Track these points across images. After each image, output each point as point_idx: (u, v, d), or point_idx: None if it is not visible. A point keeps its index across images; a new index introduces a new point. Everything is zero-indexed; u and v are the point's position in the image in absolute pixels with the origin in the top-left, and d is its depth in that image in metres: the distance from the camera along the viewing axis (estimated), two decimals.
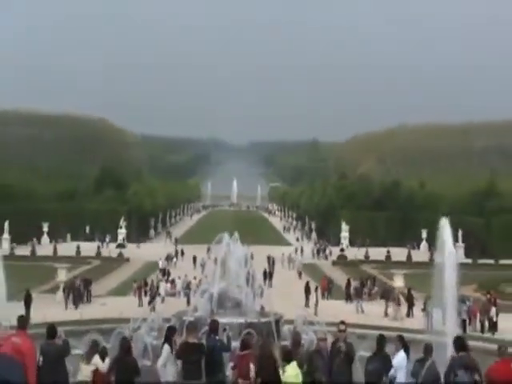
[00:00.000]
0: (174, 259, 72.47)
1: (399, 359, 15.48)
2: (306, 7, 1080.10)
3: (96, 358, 15.26)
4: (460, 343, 14.64)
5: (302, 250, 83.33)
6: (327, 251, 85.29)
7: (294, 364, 13.74)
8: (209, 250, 65.96)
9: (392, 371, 14.77)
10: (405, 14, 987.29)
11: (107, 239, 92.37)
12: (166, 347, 15.32)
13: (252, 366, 14.55)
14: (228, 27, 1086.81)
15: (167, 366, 15.17)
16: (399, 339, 16.14)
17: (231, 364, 16.35)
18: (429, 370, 14.51)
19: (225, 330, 19.95)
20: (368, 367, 15.18)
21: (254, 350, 15.15)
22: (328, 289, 49.09)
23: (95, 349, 15.67)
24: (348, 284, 49.52)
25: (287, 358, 13.94)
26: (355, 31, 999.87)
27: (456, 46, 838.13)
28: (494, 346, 16.88)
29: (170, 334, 15.93)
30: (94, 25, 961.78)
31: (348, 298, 47.73)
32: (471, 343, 17.62)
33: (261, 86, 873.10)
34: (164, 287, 48.59)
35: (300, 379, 13.70)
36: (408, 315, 39.69)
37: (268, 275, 55.51)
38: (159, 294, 46.48)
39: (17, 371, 13.66)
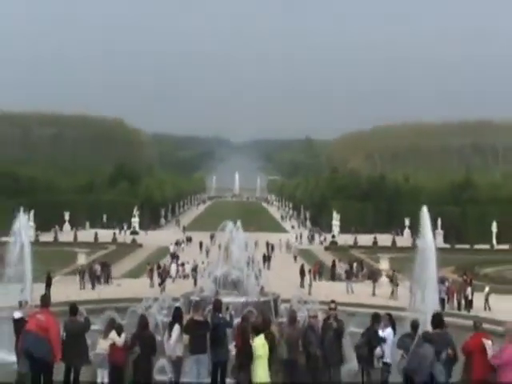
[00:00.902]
0: (183, 245, 72.64)
1: (387, 334, 15.49)
2: (306, 8, 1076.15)
3: (113, 334, 15.30)
4: (437, 319, 14.67)
5: (301, 237, 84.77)
6: (322, 237, 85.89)
7: (261, 336, 14.24)
8: (212, 237, 66.02)
9: (378, 350, 14.70)
10: (398, 13, 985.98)
11: (125, 227, 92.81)
12: (177, 326, 15.36)
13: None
14: (231, 31, 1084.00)
15: (177, 343, 15.23)
16: (389, 317, 16.15)
17: (234, 343, 16.40)
18: (415, 346, 14.62)
19: (227, 308, 19.95)
20: (358, 341, 15.26)
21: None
22: (319, 272, 49.04)
23: (112, 325, 15.71)
24: (333, 265, 50.00)
25: (256, 331, 14.40)
26: (342, 35, 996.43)
27: (441, 50, 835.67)
28: (470, 322, 16.91)
29: (179, 315, 15.96)
30: (104, 27, 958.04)
31: (333, 276, 48.13)
32: (449, 320, 17.63)
33: (260, 88, 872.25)
34: (175, 269, 48.71)
35: (266, 348, 14.08)
36: (392, 294, 39.61)
37: (267, 259, 55.70)
38: (170, 276, 46.58)
39: (42, 346, 13.74)
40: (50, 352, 13.76)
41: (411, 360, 14.04)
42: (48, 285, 35.76)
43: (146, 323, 15.09)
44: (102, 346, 15.40)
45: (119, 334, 15.25)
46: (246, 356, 13.95)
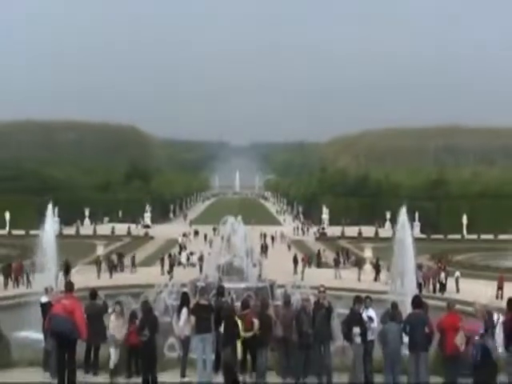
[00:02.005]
0: (190, 236, 72.48)
1: (372, 314, 15.51)
2: (304, 20, 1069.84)
3: (112, 316, 15.31)
4: (416, 301, 14.77)
5: (298, 229, 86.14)
6: (314, 229, 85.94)
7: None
8: (215, 229, 65.81)
9: (356, 328, 14.66)
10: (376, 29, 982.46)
11: (141, 221, 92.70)
12: (185, 310, 15.38)
13: (256, 321, 14.68)
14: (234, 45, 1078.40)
15: (186, 324, 15.28)
16: (370, 300, 16.17)
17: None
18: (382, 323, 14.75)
19: (229, 293, 19.99)
20: (342, 320, 15.34)
21: (252, 309, 15.25)
22: (308, 262, 48.48)
23: (113, 308, 15.72)
24: (318, 254, 49.87)
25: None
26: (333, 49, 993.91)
27: (414, 60, 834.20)
28: (444, 303, 16.96)
29: (186, 299, 15.99)
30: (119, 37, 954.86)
31: (318, 264, 47.83)
32: (426, 301, 17.62)
33: (259, 97, 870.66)
34: (185, 257, 48.80)
35: (239, 326, 14.18)
36: (375, 279, 39.63)
37: (265, 249, 55.75)
38: (180, 263, 46.62)
39: (68, 326, 13.79)
40: (75, 330, 13.83)
41: (379, 336, 14.24)
42: (66, 272, 35.57)
43: (150, 308, 15.10)
44: (111, 325, 15.42)
45: (133, 320, 15.19)
46: (231, 335, 14.10)
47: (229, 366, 13.65)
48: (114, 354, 15.01)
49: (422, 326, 14.08)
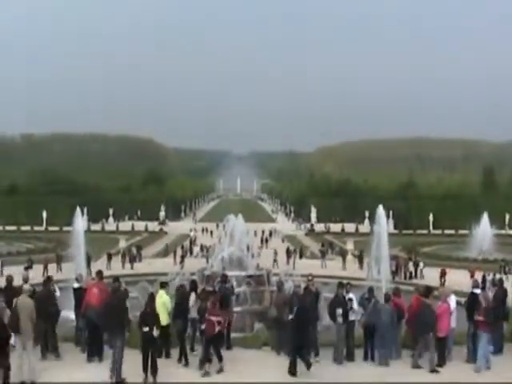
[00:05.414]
0: (197, 233, 72.19)
1: (352, 297, 15.55)
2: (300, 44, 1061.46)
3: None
4: (427, 290, 14.99)
5: (298, 225, 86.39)
6: (308, 225, 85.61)
7: (162, 291, 14.72)
8: (218, 226, 65.42)
9: (339, 310, 14.66)
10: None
11: (165, 220, 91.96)
12: (194, 294, 15.41)
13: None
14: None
15: (194, 306, 15.30)
16: (350, 286, 16.19)
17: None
18: (374, 305, 14.78)
19: (229, 281, 19.94)
20: (328, 303, 15.37)
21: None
22: (295, 256, 47.19)
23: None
24: (301, 249, 49.01)
25: (161, 286, 14.97)
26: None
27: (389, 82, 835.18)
28: (412, 288, 17.04)
29: (194, 286, 15.98)
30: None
31: (300, 257, 46.21)
32: (399, 286, 17.68)
33: (257, 114, 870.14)
34: (196, 250, 48.82)
35: (163, 298, 14.45)
36: (360, 267, 39.11)
37: (264, 241, 55.78)
38: (191, 253, 46.53)
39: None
40: None
41: (371, 316, 14.19)
42: (88, 263, 34.93)
43: (152, 295, 14.58)
44: None
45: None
46: (182, 310, 14.38)
47: (180, 333, 14.16)
48: None
49: (430, 311, 14.12)
